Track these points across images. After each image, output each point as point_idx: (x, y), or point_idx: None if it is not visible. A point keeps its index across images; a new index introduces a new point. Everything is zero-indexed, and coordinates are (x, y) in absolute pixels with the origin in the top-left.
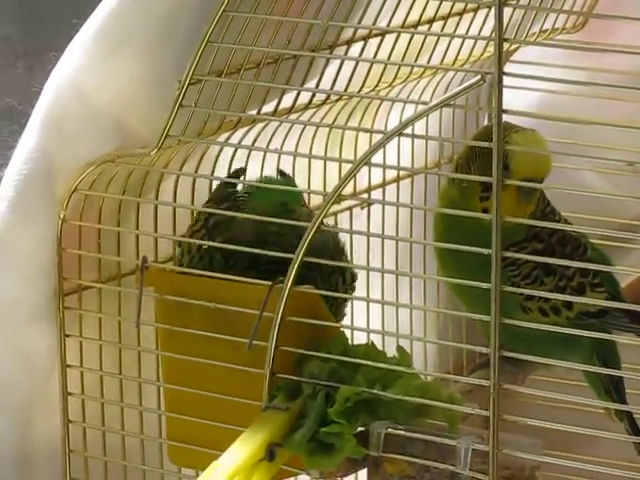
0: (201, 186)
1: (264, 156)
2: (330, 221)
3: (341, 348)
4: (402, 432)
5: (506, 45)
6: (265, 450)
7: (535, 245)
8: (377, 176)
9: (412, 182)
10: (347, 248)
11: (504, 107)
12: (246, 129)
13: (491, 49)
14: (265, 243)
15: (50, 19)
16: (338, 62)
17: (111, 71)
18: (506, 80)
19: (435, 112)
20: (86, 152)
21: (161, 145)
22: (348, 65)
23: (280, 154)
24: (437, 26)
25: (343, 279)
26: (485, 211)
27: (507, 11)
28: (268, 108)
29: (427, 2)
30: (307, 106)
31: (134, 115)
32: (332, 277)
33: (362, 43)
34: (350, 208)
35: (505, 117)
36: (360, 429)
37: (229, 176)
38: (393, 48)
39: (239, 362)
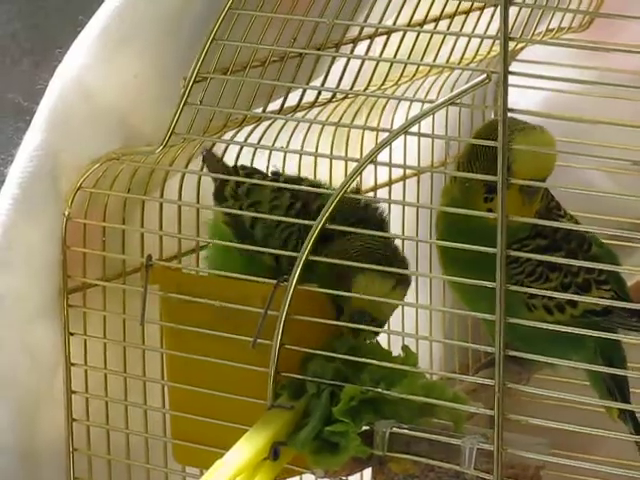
0: (206, 184)
1: (270, 154)
2: None
3: (346, 347)
4: (407, 431)
5: (512, 44)
6: (269, 449)
7: (539, 242)
8: (383, 175)
9: (418, 181)
10: None
11: (510, 106)
12: (252, 127)
13: (497, 48)
14: None
15: (56, 15)
16: (344, 60)
17: (116, 69)
18: (511, 79)
19: (441, 111)
20: (91, 150)
21: (166, 143)
22: (354, 63)
23: (286, 152)
24: (443, 25)
25: None
26: (489, 211)
27: (513, 10)
28: (274, 106)
29: (433, 1)
30: (313, 104)
31: (139, 113)
32: None
33: (368, 42)
34: None
35: (510, 116)
36: (365, 428)
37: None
38: (399, 47)
39: (244, 361)
